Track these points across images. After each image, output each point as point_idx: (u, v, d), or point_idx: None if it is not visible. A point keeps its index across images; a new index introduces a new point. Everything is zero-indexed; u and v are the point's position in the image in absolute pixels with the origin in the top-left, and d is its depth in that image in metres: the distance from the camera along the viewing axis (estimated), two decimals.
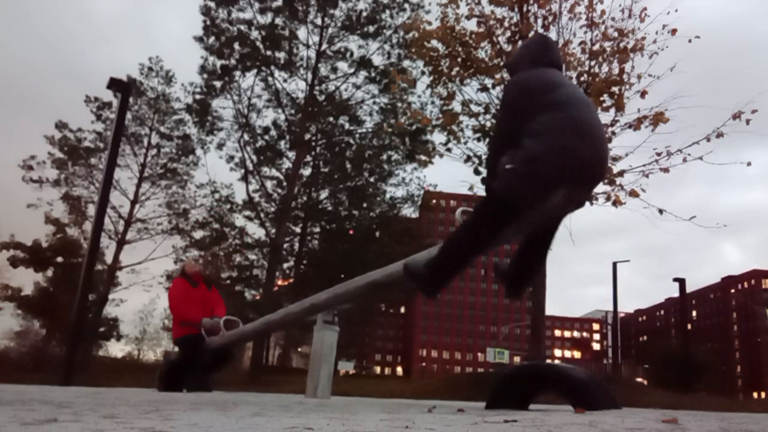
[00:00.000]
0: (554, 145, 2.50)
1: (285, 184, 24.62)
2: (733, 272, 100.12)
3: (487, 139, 9.54)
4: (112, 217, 23.98)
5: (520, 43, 9.69)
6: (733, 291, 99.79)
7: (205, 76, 23.47)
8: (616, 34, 9.48)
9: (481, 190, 9.77)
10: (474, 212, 2.79)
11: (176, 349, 6.16)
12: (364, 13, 23.47)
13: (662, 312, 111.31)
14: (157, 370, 6.18)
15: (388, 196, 25.74)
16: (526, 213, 2.66)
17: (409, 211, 26.74)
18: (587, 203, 2.99)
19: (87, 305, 13.36)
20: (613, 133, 9.47)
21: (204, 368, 5.45)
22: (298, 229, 26.28)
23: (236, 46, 23.19)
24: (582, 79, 9.57)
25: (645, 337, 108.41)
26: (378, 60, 24.01)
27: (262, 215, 24.21)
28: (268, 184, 24.95)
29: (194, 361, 5.40)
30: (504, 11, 9.81)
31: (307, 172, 25.67)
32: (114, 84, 10.45)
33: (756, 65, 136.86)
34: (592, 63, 9.55)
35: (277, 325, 5.42)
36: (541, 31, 9.69)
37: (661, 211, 9.00)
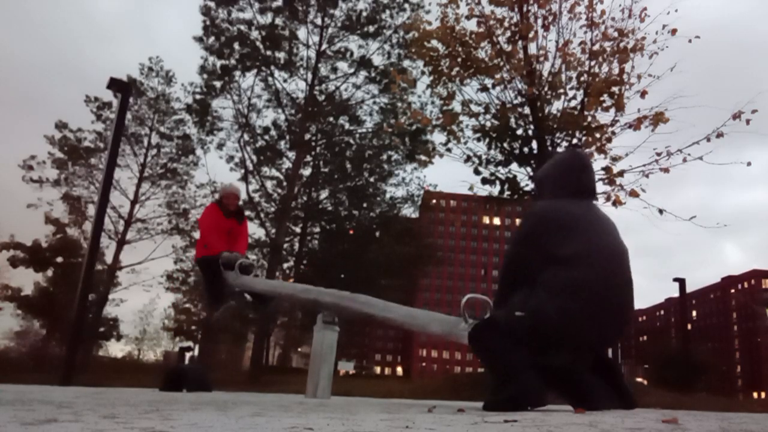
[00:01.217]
0: (566, 311, 2.35)
1: (285, 184, 24.63)
2: (733, 272, 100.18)
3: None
4: (112, 217, 24.02)
5: (520, 44, 9.68)
6: (733, 291, 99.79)
7: (205, 76, 23.50)
8: (616, 34, 9.47)
9: (481, 190, 9.79)
10: (494, 338, 2.54)
11: (175, 349, 6.18)
12: (364, 13, 23.49)
13: (662, 312, 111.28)
14: (159, 370, 6.18)
15: (388, 196, 25.79)
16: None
17: (409, 211, 26.78)
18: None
19: (87, 305, 13.35)
20: (613, 133, 9.47)
21: (224, 289, 5.55)
22: (298, 229, 26.30)
23: (236, 46, 23.20)
24: (582, 79, 9.57)
25: (645, 337, 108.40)
26: (378, 60, 24.06)
27: (262, 215, 24.22)
28: (268, 184, 25.00)
29: (217, 276, 5.50)
30: (504, 11, 9.80)
31: (307, 172, 25.70)
32: (114, 84, 10.44)
33: (757, 65, 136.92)
34: (592, 63, 9.55)
35: (281, 295, 5.54)
36: (540, 31, 9.69)
37: (661, 211, 8.99)
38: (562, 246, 2.45)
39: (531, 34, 9.61)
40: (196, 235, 25.08)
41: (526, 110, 9.70)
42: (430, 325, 3.37)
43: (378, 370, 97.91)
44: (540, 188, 2.80)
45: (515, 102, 9.75)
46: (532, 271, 2.50)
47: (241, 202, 6.10)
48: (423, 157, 10.42)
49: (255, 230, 23.73)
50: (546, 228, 2.53)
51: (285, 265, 26.00)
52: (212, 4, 23.15)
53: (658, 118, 8.93)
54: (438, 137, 11.51)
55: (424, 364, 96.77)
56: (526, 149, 9.66)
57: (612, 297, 2.44)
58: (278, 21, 23.63)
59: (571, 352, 2.48)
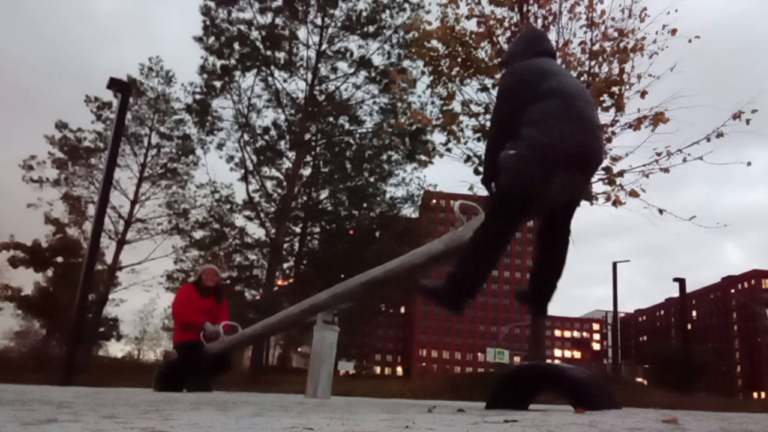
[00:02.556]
0: (553, 130, 2.53)
1: (285, 184, 24.62)
2: (734, 272, 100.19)
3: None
4: (112, 217, 24.01)
5: None
6: (733, 291, 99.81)
7: (205, 76, 23.48)
8: (616, 34, 9.48)
9: (481, 190, 9.79)
10: (487, 214, 2.76)
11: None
12: (364, 13, 23.48)
13: (662, 312, 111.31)
14: (155, 369, 6.10)
15: (388, 196, 25.75)
16: (535, 200, 2.65)
17: (409, 211, 26.74)
18: (588, 203, 2.99)
19: (87, 305, 13.35)
20: (613, 133, 9.47)
21: (202, 372, 5.41)
22: (298, 229, 26.27)
23: (236, 46, 23.19)
24: (582, 79, 9.57)
25: (645, 337, 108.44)
26: (378, 60, 24.05)
27: (262, 215, 24.22)
28: (268, 184, 24.96)
29: (193, 365, 5.34)
30: (504, 11, 9.81)
31: (307, 172, 25.68)
32: (114, 84, 10.44)
33: (757, 65, 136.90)
34: (592, 63, 9.56)
35: (276, 328, 5.37)
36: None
37: (661, 211, 9.00)
38: (538, 85, 2.66)
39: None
40: (197, 235, 25.20)
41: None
42: (432, 249, 3.36)
43: (378, 370, 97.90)
44: (510, 59, 3.03)
45: None
46: (515, 126, 2.66)
47: (221, 281, 5.85)
48: (423, 157, 10.43)
49: (255, 230, 23.78)
50: (520, 77, 2.76)
51: (285, 265, 26.01)
52: (212, 4, 23.15)
53: (658, 118, 8.94)
54: (438, 137, 11.54)
55: (424, 364, 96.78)
56: None
57: (589, 117, 2.65)
58: (278, 21, 23.64)
59: (566, 168, 2.58)
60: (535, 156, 2.53)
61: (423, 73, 11.28)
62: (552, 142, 2.52)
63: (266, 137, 24.42)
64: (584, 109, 2.65)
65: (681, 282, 18.73)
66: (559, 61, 9.55)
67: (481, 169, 9.68)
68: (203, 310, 5.48)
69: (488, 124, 9.78)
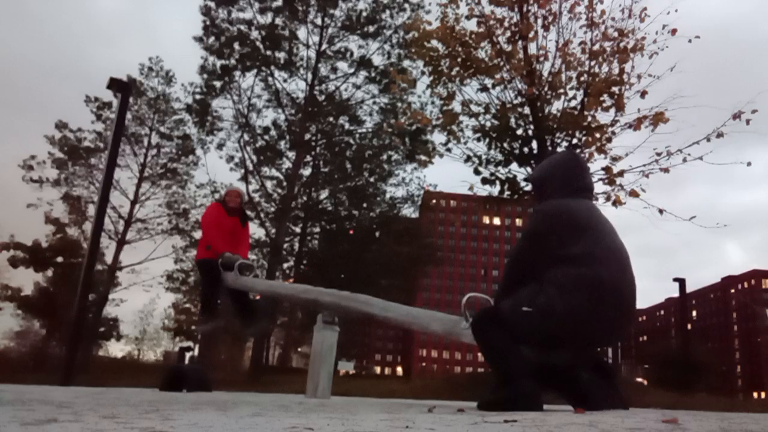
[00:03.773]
0: (575, 309, 2.37)
1: (285, 184, 24.62)
2: (734, 272, 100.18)
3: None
4: (112, 217, 24.00)
5: (520, 44, 9.68)
6: (733, 291, 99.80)
7: (205, 76, 23.50)
8: (616, 34, 9.46)
9: (481, 190, 9.79)
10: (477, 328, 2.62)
11: (175, 349, 6.18)
12: (364, 13, 23.50)
13: (662, 312, 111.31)
14: (159, 370, 6.19)
15: (388, 196, 25.79)
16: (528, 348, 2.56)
17: (409, 211, 26.78)
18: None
19: (87, 305, 13.35)
20: (613, 133, 9.46)
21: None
22: (298, 229, 26.28)
23: (236, 46, 23.20)
24: (582, 79, 9.57)
25: (645, 337, 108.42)
26: (378, 60, 24.06)
27: (262, 215, 24.21)
28: (268, 184, 24.99)
29: (217, 281, 5.49)
30: (504, 11, 9.79)
31: (307, 172, 25.70)
32: (114, 84, 10.43)
33: (757, 64, 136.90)
34: (592, 63, 9.54)
35: (281, 296, 5.69)
36: (540, 31, 9.69)
37: (661, 211, 8.99)
38: (571, 244, 2.47)
39: (531, 34, 9.61)
40: (197, 235, 25.17)
41: (526, 110, 9.69)
42: (431, 325, 3.39)
43: (378, 370, 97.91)
44: (541, 188, 2.82)
45: (515, 102, 9.74)
46: (539, 270, 2.51)
47: (243, 202, 6.06)
48: (423, 157, 10.42)
49: (255, 230, 23.75)
50: (554, 226, 2.55)
51: (285, 265, 26.01)
52: (212, 4, 23.17)
53: (658, 118, 8.93)
54: (438, 137, 11.51)
55: (424, 364, 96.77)
56: (526, 149, 9.65)
57: (619, 296, 2.46)
58: (278, 21, 23.65)
59: (575, 350, 2.49)
60: (548, 328, 2.41)
61: (423, 73, 11.26)
62: (575, 327, 2.37)
63: (266, 137, 24.45)
64: (617, 283, 2.45)
65: (681, 282, 18.71)
66: (558, 61, 9.61)
67: (481, 169, 9.69)
68: (229, 229, 5.66)
69: (488, 124, 9.78)
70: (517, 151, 9.66)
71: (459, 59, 9.78)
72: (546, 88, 9.67)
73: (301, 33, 24.18)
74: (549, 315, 2.40)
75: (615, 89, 9.24)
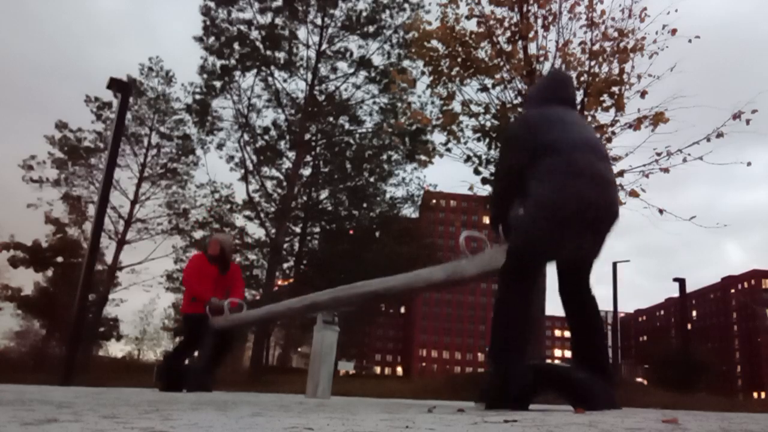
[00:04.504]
0: (559, 187, 2.47)
1: (285, 184, 24.61)
2: (735, 272, 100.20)
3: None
4: (112, 217, 23.99)
5: (520, 44, 9.69)
6: (733, 291, 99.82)
7: (205, 76, 23.47)
8: (616, 34, 9.47)
9: (481, 190, 9.79)
10: (501, 279, 2.67)
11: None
12: (364, 13, 23.47)
13: (662, 312, 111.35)
14: (156, 367, 6.20)
15: (388, 196, 25.76)
16: (547, 260, 2.62)
17: (409, 211, 26.75)
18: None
19: (87, 305, 13.35)
20: (613, 133, 9.47)
21: (205, 352, 5.50)
22: (298, 229, 26.27)
23: (236, 46, 23.18)
24: (582, 79, 9.57)
25: (645, 337, 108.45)
26: (378, 60, 24.04)
27: (262, 215, 24.21)
28: (268, 184, 24.96)
29: (196, 340, 5.46)
30: (504, 11, 9.80)
31: (307, 172, 25.68)
32: (114, 84, 10.43)
33: (757, 64, 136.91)
34: (592, 63, 9.55)
35: (278, 315, 5.54)
36: (540, 31, 9.70)
37: (661, 211, 9.00)
38: (544, 135, 2.59)
39: (531, 34, 9.61)
40: (197, 235, 25.18)
41: None
42: (433, 275, 3.37)
43: (378, 370, 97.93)
44: (528, 104, 2.95)
45: (515, 102, 9.75)
46: (521, 175, 2.59)
47: (228, 250, 5.89)
48: (423, 157, 10.43)
49: (255, 230, 23.77)
50: (528, 126, 2.69)
51: (285, 265, 26.00)
52: (212, 4, 23.14)
53: (658, 118, 8.94)
54: (438, 137, 11.52)
55: (424, 364, 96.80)
56: None
57: (599, 174, 2.56)
58: (278, 21, 23.62)
59: (576, 228, 2.52)
60: (542, 215, 2.48)
61: (423, 73, 11.28)
62: (558, 199, 2.46)
63: (266, 137, 24.43)
64: (593, 164, 2.56)
65: (681, 282, 18.72)
66: (558, 61, 9.61)
67: (481, 169, 9.69)
68: (212, 277, 5.61)
69: (488, 124, 9.78)
70: None
71: (459, 59, 9.79)
72: None
73: (301, 33, 24.20)
74: (540, 204, 2.49)
75: (615, 89, 9.25)
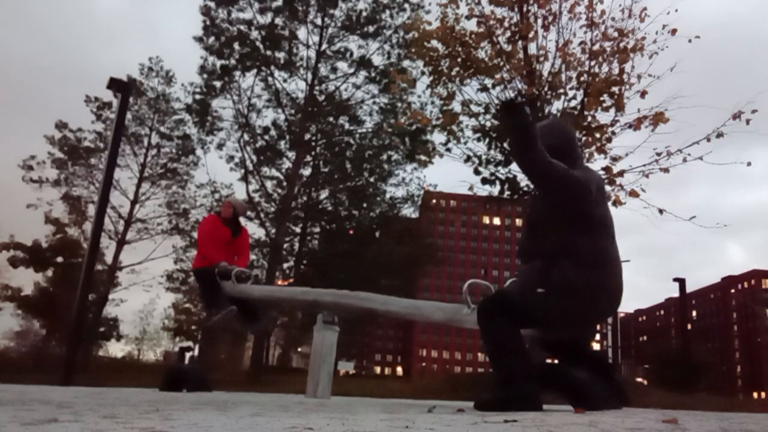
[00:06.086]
0: (591, 282, 2.40)
1: (285, 184, 24.61)
2: (735, 272, 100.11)
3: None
4: (112, 217, 23.96)
5: (520, 44, 9.68)
6: (733, 291, 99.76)
7: (205, 76, 23.47)
8: (616, 34, 9.47)
9: (481, 190, 9.79)
10: (483, 315, 2.58)
11: (175, 349, 6.20)
12: (364, 13, 23.46)
13: (662, 312, 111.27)
14: (159, 370, 6.20)
15: (388, 196, 25.76)
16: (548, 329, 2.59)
17: (409, 211, 26.76)
18: None
19: (87, 305, 13.35)
20: (613, 133, 9.47)
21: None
22: (298, 229, 26.27)
23: (236, 46, 23.17)
24: (582, 79, 9.57)
25: (645, 337, 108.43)
26: (378, 60, 24.02)
27: (262, 215, 24.22)
28: (268, 184, 24.96)
29: (215, 286, 5.50)
30: (504, 11, 9.80)
31: (307, 172, 25.68)
32: (114, 84, 10.43)
33: (757, 64, 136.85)
34: (592, 63, 9.55)
35: (280, 300, 5.71)
36: (540, 31, 9.69)
37: (661, 211, 9.00)
38: (596, 206, 2.49)
39: (531, 34, 9.61)
40: (196, 235, 25.18)
41: (527, 110, 9.69)
42: (433, 314, 3.39)
43: (378, 370, 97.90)
44: (562, 152, 2.69)
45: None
46: (570, 211, 2.45)
47: (242, 218, 6.08)
48: (423, 157, 10.42)
49: (255, 230, 23.72)
50: (599, 186, 2.58)
51: (285, 265, 25.99)
52: (212, 4, 23.14)
53: (658, 118, 8.93)
54: (438, 137, 11.52)
55: (424, 364, 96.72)
56: None
57: (619, 268, 2.53)
58: (278, 21, 23.61)
59: (588, 324, 2.57)
60: (578, 301, 2.41)
61: (423, 73, 11.28)
62: (597, 291, 2.40)
63: (266, 137, 24.42)
64: (618, 258, 2.53)
65: (681, 282, 18.70)
66: (558, 61, 9.61)
67: (481, 169, 9.68)
68: (224, 240, 5.70)
69: (488, 124, 9.77)
70: None
71: (459, 59, 9.79)
72: (546, 88, 9.67)
73: (301, 33, 24.19)
74: (566, 290, 2.38)
75: (615, 89, 9.24)
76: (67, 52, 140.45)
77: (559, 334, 2.61)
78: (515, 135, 2.52)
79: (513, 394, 2.32)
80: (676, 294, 19.38)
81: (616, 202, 9.18)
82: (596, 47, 9.51)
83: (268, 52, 23.45)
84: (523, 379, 2.36)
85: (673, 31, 9.09)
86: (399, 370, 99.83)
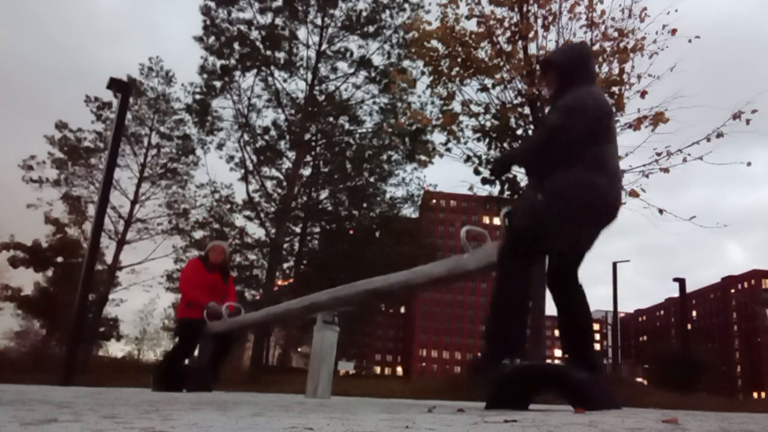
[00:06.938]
0: (591, 184, 2.51)
1: (285, 184, 24.61)
2: (735, 272, 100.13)
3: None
4: (112, 217, 23.95)
5: (520, 44, 9.68)
6: (733, 291, 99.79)
7: (205, 76, 23.47)
8: (616, 34, 9.47)
9: (481, 190, 9.78)
10: (500, 260, 2.74)
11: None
12: (364, 13, 23.46)
13: (662, 312, 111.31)
14: (154, 370, 6.13)
15: (388, 196, 25.76)
16: (549, 249, 2.67)
17: (409, 211, 26.76)
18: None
19: (87, 305, 13.35)
20: None
21: (205, 357, 5.48)
22: (298, 229, 26.28)
23: (236, 46, 23.18)
24: None
25: (645, 337, 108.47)
26: (378, 60, 24.03)
27: (262, 215, 24.22)
28: (268, 184, 24.96)
29: (191, 346, 5.44)
30: (504, 11, 9.80)
31: (307, 172, 25.68)
32: (114, 84, 10.43)
33: (757, 64, 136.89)
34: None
35: (277, 317, 5.56)
36: (540, 31, 9.69)
37: (661, 211, 9.00)
38: (604, 126, 2.61)
39: (531, 34, 9.60)
40: (197, 234, 25.16)
41: (526, 110, 9.70)
42: (434, 271, 3.40)
43: (378, 370, 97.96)
44: (565, 74, 2.78)
45: (515, 102, 9.74)
46: (570, 146, 2.56)
47: (227, 259, 5.90)
48: (423, 157, 10.42)
49: (255, 230, 23.76)
50: (598, 106, 2.65)
51: (285, 265, 25.99)
52: (212, 4, 23.15)
53: (658, 118, 8.93)
54: (438, 137, 11.52)
55: (424, 364, 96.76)
56: None
57: (619, 171, 2.68)
58: (278, 21, 23.62)
59: (588, 225, 2.61)
60: (561, 207, 2.52)
61: (423, 73, 11.27)
62: (583, 195, 2.50)
63: (266, 137, 24.43)
64: (618, 163, 2.68)
65: (681, 282, 18.72)
66: None
67: (481, 169, 9.67)
68: (209, 285, 5.51)
69: (488, 124, 9.77)
70: None
71: (459, 59, 9.78)
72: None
73: (301, 33, 24.19)
74: (558, 191, 2.53)
75: (615, 89, 9.24)
76: (67, 52, 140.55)
77: (566, 244, 2.66)
78: (504, 170, 3.07)
79: (501, 351, 2.56)
80: (676, 294, 19.41)
81: None
82: (596, 47, 9.51)
83: (268, 52, 23.45)
84: (512, 341, 2.59)
85: (673, 31, 9.09)
86: (399, 370, 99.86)
